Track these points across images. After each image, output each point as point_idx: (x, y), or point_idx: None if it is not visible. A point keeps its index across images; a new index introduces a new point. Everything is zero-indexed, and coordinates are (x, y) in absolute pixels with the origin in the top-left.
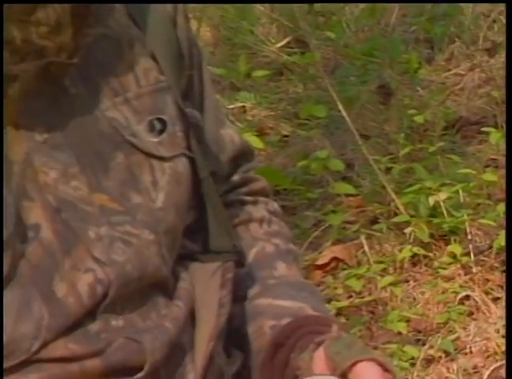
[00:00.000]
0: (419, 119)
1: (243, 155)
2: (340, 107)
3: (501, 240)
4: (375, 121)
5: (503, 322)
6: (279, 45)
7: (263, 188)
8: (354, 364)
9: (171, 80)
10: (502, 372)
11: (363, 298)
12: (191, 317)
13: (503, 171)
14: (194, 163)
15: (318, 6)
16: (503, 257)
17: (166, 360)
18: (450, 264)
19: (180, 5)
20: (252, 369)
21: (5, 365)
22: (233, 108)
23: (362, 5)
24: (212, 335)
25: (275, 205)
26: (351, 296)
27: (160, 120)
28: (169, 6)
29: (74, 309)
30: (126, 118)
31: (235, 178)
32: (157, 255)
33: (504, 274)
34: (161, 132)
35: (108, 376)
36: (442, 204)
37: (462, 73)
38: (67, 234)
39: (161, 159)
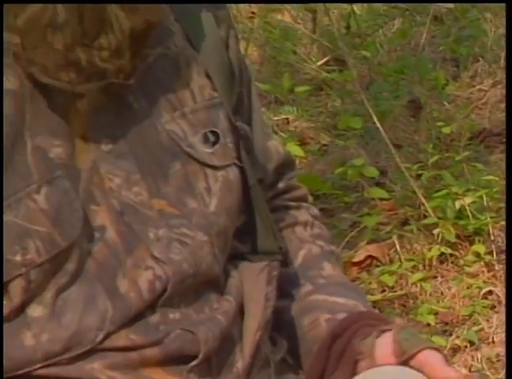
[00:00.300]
0: (446, 130)
1: (287, 164)
2: (375, 120)
3: None
4: (406, 132)
5: None
6: (319, 63)
7: (305, 195)
8: (420, 351)
9: (223, 97)
10: None
11: (395, 292)
12: (240, 311)
13: None
14: (244, 171)
15: (354, 28)
16: None
17: (217, 349)
18: (475, 262)
19: (231, 29)
20: (303, 356)
21: (73, 353)
22: (277, 120)
23: (394, 28)
24: (259, 326)
25: (315, 210)
26: (384, 290)
27: (214, 133)
28: (222, 30)
29: (135, 303)
30: (183, 130)
31: (280, 185)
32: (210, 255)
33: None
34: (214, 143)
35: (165, 363)
36: (467, 207)
37: (485, 88)
38: (129, 235)
39: (214, 168)
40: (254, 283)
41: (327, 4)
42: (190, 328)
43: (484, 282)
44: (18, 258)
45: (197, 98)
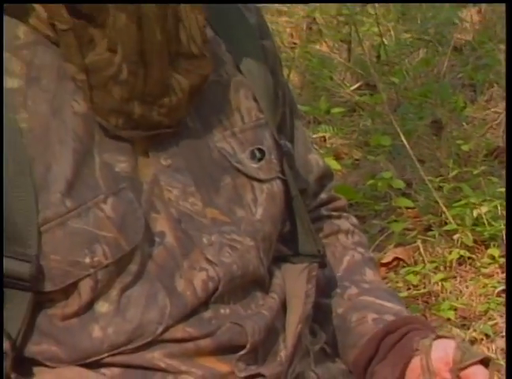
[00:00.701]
0: (464, 148)
1: (326, 175)
2: (402, 138)
3: None
4: (429, 149)
5: None
6: (352, 88)
7: (344, 205)
8: (476, 362)
9: (268, 117)
10: None
11: (419, 290)
12: (283, 306)
13: None
14: (287, 184)
15: (384, 57)
16: None
17: (263, 340)
18: (490, 264)
19: (276, 58)
20: (347, 348)
21: (136, 344)
22: (315, 138)
23: (419, 57)
24: (300, 319)
25: (354, 219)
26: (409, 288)
27: (260, 150)
28: (270, 59)
29: (191, 301)
30: (232, 148)
31: (323, 196)
32: (256, 258)
33: None
34: (260, 159)
35: (217, 353)
36: (483, 215)
37: (499, 111)
38: (186, 240)
39: (260, 181)
40: (295, 281)
41: (360, 35)
42: (239, 322)
43: (498, 282)
44: (87, 260)
45: (245, 119)
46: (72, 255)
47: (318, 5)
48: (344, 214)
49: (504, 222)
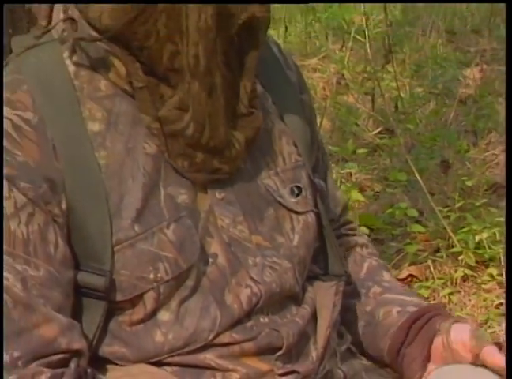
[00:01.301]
0: (468, 183)
1: (345, 206)
2: (416, 174)
3: None
4: (438, 184)
5: None
6: (374, 132)
7: (356, 227)
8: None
9: (305, 160)
10: None
11: (429, 301)
12: (313, 315)
13: None
14: (319, 215)
15: (400, 107)
16: None
17: (296, 343)
18: (489, 281)
19: (312, 110)
20: (378, 338)
21: (191, 348)
22: (343, 173)
23: (430, 108)
24: (328, 325)
25: (366, 236)
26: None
27: (298, 187)
28: (307, 111)
29: (238, 313)
30: (276, 184)
31: (341, 220)
32: (292, 277)
33: None
34: (298, 195)
35: (259, 354)
36: (484, 240)
37: (497, 153)
38: (234, 261)
39: (297, 213)
40: (325, 295)
41: (381, 89)
42: (276, 328)
43: (497, 296)
44: (151, 276)
45: (286, 161)
46: (139, 271)
47: (345, 63)
48: (357, 232)
49: (501, 246)
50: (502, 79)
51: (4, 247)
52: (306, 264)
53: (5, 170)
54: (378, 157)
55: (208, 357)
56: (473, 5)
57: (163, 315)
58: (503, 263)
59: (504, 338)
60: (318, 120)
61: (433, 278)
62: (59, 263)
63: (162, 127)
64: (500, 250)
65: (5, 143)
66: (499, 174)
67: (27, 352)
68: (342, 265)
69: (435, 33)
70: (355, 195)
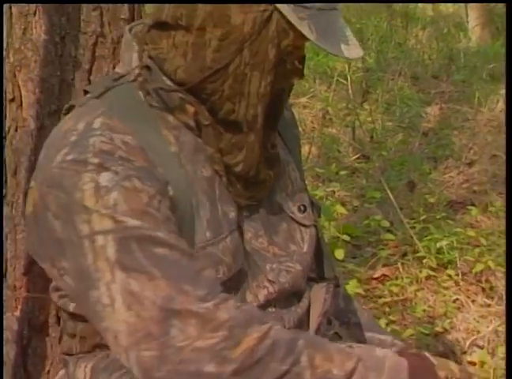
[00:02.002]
0: (430, 200)
1: None
2: (388, 192)
3: (477, 267)
4: (406, 200)
5: (479, 314)
6: (353, 158)
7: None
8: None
9: (306, 183)
10: (477, 341)
11: (399, 297)
12: (308, 307)
13: (478, 229)
14: (317, 228)
15: (375, 138)
16: (479, 277)
17: (296, 327)
18: (448, 280)
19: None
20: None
21: None
22: (328, 191)
23: (399, 138)
24: (319, 315)
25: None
26: (392, 295)
27: (303, 205)
28: (299, 143)
29: (256, 306)
30: (288, 203)
31: None
32: (302, 278)
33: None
34: (304, 211)
35: None
36: (444, 247)
37: (453, 176)
38: (255, 267)
39: (305, 226)
40: (318, 293)
41: (359, 122)
42: (281, 316)
43: (454, 293)
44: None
45: (294, 184)
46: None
47: (330, 101)
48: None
49: (458, 251)
50: (457, 116)
51: (151, 224)
52: (310, 267)
53: (131, 172)
54: (357, 178)
55: None
56: (433, 55)
57: None
58: (459, 265)
59: (459, 327)
60: (308, 148)
61: (402, 277)
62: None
63: (222, 157)
64: (456, 255)
65: (120, 153)
66: (455, 193)
67: (211, 287)
68: (333, 271)
69: (402, 78)
70: (339, 208)
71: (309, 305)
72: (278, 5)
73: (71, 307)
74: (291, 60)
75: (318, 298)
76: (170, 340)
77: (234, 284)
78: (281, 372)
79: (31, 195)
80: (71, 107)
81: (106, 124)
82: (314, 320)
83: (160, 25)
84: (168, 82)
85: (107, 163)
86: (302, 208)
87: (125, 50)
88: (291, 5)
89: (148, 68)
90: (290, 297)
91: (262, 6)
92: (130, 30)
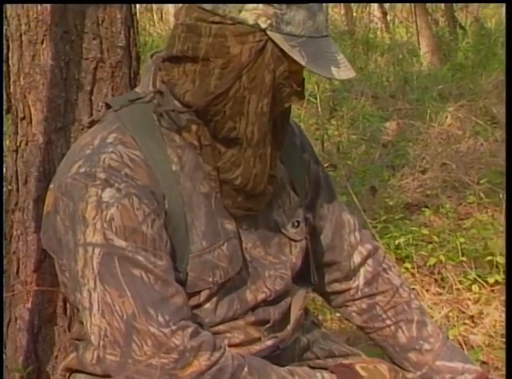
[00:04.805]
0: (390, 203)
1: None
2: (353, 196)
3: (430, 261)
4: (369, 203)
5: (432, 301)
6: None
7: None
8: None
9: (302, 200)
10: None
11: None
12: (290, 304)
13: (431, 228)
14: (307, 240)
15: (341, 149)
16: (432, 269)
17: (279, 320)
18: (405, 272)
19: (317, 163)
20: None
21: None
22: None
23: (362, 150)
24: (300, 307)
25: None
26: None
27: (297, 221)
28: (306, 166)
29: (253, 305)
30: (282, 219)
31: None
32: (291, 282)
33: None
34: (297, 226)
35: (255, 324)
36: (401, 243)
37: (409, 182)
38: (255, 273)
39: (295, 240)
40: (299, 293)
41: (328, 136)
42: (268, 310)
43: (410, 283)
44: (210, 279)
45: (291, 201)
46: (202, 274)
47: (302, 117)
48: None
49: (414, 247)
50: (411, 130)
51: (137, 244)
52: (298, 274)
53: (132, 190)
54: None
55: (222, 328)
56: (391, 77)
57: (207, 306)
58: (415, 259)
59: None
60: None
61: None
62: (170, 255)
63: (218, 175)
64: (412, 250)
65: (126, 170)
66: (411, 196)
67: (173, 314)
68: (314, 277)
69: (364, 97)
70: None
71: (291, 301)
72: (271, 35)
73: (70, 298)
74: (289, 83)
75: (298, 296)
76: (130, 352)
77: (233, 285)
78: None
79: (49, 196)
80: (93, 122)
81: (119, 139)
82: (295, 314)
83: (172, 58)
84: (178, 104)
85: (112, 179)
86: (295, 223)
87: (145, 73)
88: (284, 35)
89: (161, 93)
90: (280, 297)
91: (257, 37)
92: (152, 56)
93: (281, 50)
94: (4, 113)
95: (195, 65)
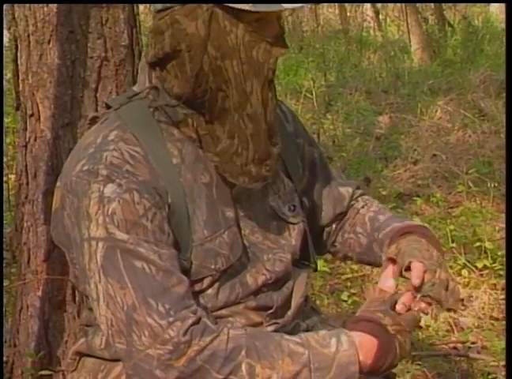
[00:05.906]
0: (383, 193)
1: (357, 188)
2: None
3: None
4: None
5: None
6: None
7: (361, 194)
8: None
9: (296, 185)
10: None
11: (358, 273)
12: (292, 289)
13: (422, 216)
14: (305, 222)
15: (337, 142)
16: None
17: (281, 306)
18: None
19: (314, 146)
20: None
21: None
22: None
23: (356, 143)
24: (301, 295)
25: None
26: (352, 272)
27: (293, 205)
28: (301, 151)
29: (254, 289)
30: (278, 204)
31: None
32: (291, 265)
33: None
34: (293, 210)
35: (258, 309)
36: None
37: (401, 172)
38: (254, 258)
39: (293, 223)
40: (300, 276)
41: (323, 129)
42: (271, 296)
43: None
44: (212, 266)
45: (286, 187)
46: (204, 262)
47: (299, 112)
48: (360, 199)
49: None
50: (403, 123)
51: (139, 236)
52: (298, 256)
53: (132, 185)
54: None
55: (224, 312)
56: (383, 73)
57: (209, 291)
58: None
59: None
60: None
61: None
62: (172, 246)
63: (221, 158)
64: None
65: (127, 167)
66: (403, 186)
67: (174, 304)
68: (313, 258)
69: (358, 92)
70: None
71: (293, 287)
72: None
73: (81, 288)
74: (260, 38)
75: (300, 281)
76: (132, 341)
77: (234, 271)
78: None
79: (56, 193)
80: (94, 118)
81: (120, 136)
82: (296, 300)
83: (152, 64)
84: (169, 99)
85: (114, 175)
86: (292, 207)
87: (140, 72)
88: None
89: (156, 88)
90: (280, 280)
91: (204, 7)
92: (145, 56)
93: (225, 7)
94: (14, 110)
95: (170, 61)
